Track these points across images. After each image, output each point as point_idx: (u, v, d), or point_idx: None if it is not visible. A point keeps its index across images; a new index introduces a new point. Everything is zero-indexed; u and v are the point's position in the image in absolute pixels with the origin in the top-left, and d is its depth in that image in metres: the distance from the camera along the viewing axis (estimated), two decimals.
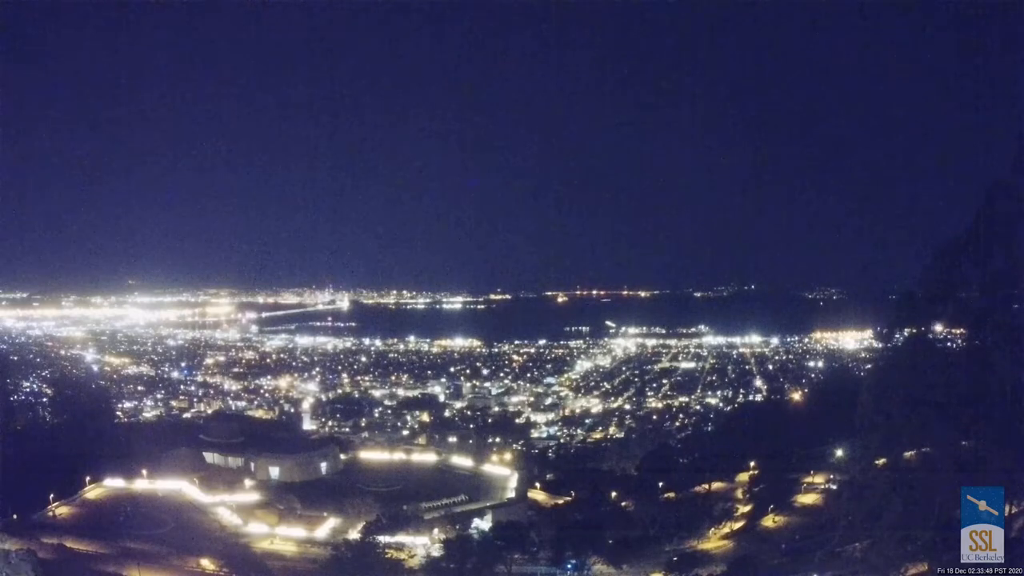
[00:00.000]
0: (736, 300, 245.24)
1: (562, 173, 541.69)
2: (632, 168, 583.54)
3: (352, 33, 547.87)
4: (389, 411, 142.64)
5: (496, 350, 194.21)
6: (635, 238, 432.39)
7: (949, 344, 43.88)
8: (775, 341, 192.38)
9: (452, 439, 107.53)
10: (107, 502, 68.97)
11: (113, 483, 72.41)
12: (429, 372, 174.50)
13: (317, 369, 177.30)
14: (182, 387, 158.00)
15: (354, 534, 59.84)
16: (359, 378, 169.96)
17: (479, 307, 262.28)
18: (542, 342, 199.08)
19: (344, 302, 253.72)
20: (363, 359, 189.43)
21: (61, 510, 65.73)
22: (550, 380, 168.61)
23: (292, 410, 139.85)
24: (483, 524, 67.26)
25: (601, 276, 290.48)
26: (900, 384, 38.34)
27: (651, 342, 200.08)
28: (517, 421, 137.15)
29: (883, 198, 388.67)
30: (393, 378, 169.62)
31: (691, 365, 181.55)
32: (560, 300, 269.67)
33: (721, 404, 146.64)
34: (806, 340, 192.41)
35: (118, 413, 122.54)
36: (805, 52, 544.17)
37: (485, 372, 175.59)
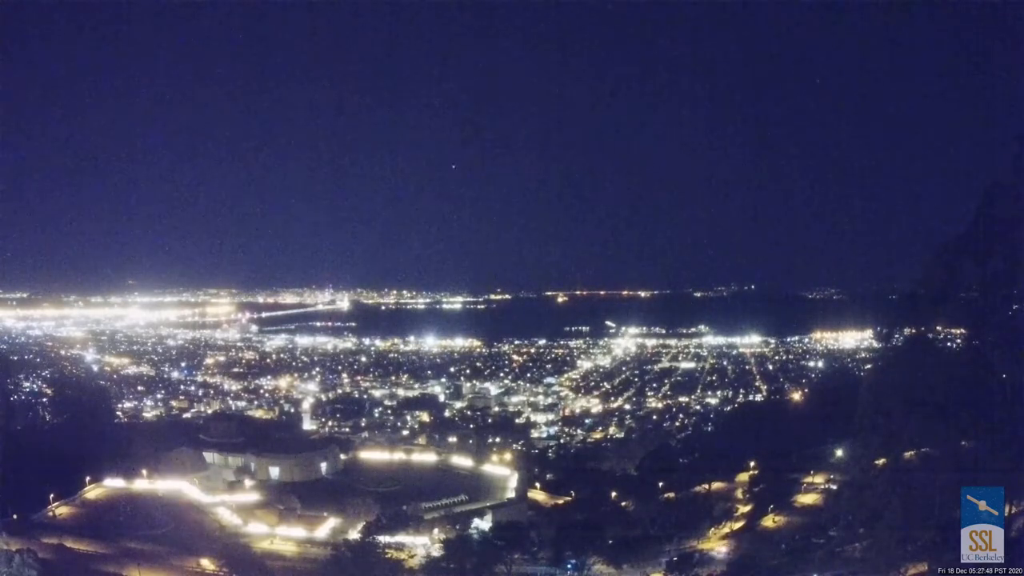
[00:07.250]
0: (736, 300, 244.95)
1: (562, 172, 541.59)
2: (632, 167, 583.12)
3: (351, 31, 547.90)
4: (389, 411, 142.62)
5: (496, 350, 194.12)
6: (635, 238, 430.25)
7: (949, 344, 43.93)
8: (775, 341, 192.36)
9: (452, 439, 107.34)
10: (107, 502, 68.95)
11: (113, 483, 72.36)
12: (429, 372, 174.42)
13: (317, 369, 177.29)
14: (182, 387, 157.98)
15: (354, 534, 59.74)
16: (359, 378, 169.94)
17: (479, 307, 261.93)
18: (542, 342, 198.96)
19: (344, 302, 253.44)
20: (363, 359, 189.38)
21: (61, 510, 65.81)
22: (550, 380, 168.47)
23: (292, 410, 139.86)
24: (483, 524, 67.32)
25: (601, 276, 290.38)
26: (900, 384, 38.30)
27: (651, 342, 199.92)
28: (517, 421, 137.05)
29: (883, 198, 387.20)
30: (393, 378, 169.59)
31: (691, 365, 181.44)
32: (560, 300, 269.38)
33: (721, 404, 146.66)
34: (806, 340, 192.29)
35: (118, 413, 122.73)
36: (804, 52, 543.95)
37: (485, 372, 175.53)
